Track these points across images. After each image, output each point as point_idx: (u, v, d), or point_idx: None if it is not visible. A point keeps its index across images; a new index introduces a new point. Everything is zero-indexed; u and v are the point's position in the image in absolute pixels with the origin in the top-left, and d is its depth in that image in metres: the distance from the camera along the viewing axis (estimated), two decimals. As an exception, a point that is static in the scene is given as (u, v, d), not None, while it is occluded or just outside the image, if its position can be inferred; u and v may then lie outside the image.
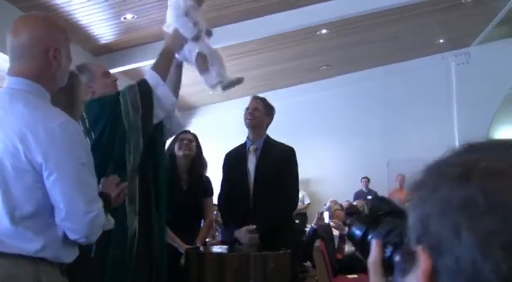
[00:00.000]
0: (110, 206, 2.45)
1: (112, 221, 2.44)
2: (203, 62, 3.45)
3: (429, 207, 0.75)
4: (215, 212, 6.38)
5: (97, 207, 2.10)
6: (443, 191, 0.74)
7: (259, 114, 4.57)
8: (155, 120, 3.23)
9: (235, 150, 4.69)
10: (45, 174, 2.00)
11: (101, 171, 2.64)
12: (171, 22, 3.47)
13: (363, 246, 1.11)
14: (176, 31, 3.42)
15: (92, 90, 3.28)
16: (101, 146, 3.02)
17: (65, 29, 2.30)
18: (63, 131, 2.03)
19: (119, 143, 3.07)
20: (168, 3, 3.52)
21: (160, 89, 3.21)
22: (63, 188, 2.02)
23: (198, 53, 3.44)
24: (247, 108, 4.61)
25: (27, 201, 2.01)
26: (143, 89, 3.15)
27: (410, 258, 0.78)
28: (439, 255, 0.73)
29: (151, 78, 3.22)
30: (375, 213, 1.14)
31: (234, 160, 4.61)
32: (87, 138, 2.97)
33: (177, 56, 3.48)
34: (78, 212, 2.03)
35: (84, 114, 2.99)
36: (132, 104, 3.10)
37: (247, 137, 4.63)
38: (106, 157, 3.00)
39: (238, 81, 3.57)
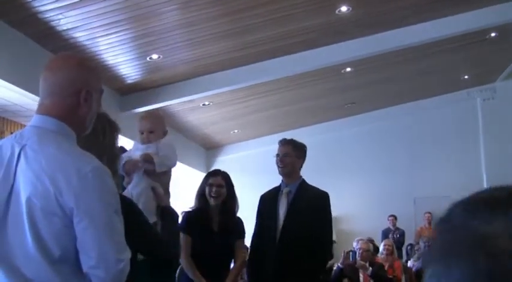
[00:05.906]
0: None
1: None
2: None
3: None
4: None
5: (126, 256, 2.03)
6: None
7: (291, 159, 4.37)
8: None
9: (269, 193, 4.51)
10: (75, 219, 1.94)
11: None
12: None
13: None
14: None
15: None
16: None
17: (99, 73, 2.26)
18: (95, 176, 1.97)
19: None
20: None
21: None
22: (96, 235, 1.96)
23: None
24: (277, 155, 4.41)
25: (56, 245, 1.94)
26: None
27: None
28: None
29: None
30: None
31: (267, 203, 4.44)
32: None
33: None
34: (110, 260, 1.97)
35: None
36: None
37: (282, 180, 4.45)
38: None
39: None
